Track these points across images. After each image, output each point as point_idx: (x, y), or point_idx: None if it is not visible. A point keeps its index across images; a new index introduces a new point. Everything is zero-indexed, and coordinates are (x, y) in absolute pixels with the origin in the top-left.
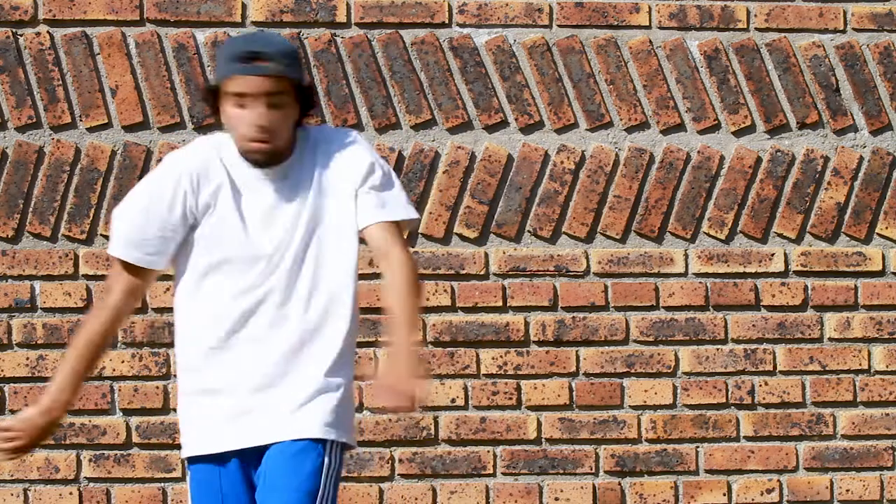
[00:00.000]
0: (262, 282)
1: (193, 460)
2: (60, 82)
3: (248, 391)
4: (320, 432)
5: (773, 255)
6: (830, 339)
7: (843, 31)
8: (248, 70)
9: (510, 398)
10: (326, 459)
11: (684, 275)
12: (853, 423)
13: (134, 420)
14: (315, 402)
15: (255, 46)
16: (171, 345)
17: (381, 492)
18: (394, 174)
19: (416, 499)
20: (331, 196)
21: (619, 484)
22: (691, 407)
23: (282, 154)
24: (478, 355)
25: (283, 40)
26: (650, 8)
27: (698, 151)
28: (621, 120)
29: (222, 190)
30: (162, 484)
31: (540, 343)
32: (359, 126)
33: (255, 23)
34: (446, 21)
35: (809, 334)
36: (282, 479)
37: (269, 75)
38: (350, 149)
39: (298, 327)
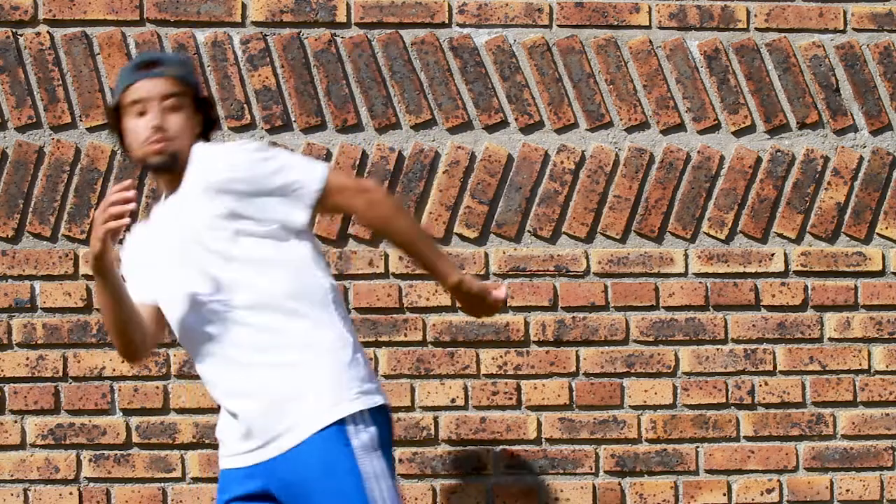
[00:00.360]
0: (190, 323)
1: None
2: (60, 82)
3: (247, 412)
4: (330, 417)
5: (773, 255)
6: (830, 339)
7: (843, 31)
8: (143, 75)
9: (510, 398)
10: (355, 440)
11: (684, 275)
12: (853, 423)
13: (134, 420)
14: (305, 394)
15: (147, 56)
16: (170, 345)
17: None
18: (266, 150)
19: (416, 499)
20: (208, 217)
21: (619, 484)
22: (691, 407)
23: (183, 161)
24: (478, 355)
25: (175, 53)
26: (650, 8)
27: (698, 151)
28: (621, 120)
29: (149, 238)
30: (162, 484)
31: (540, 343)
32: (359, 126)
33: (255, 23)
34: (446, 21)
35: (809, 334)
36: (320, 481)
37: (164, 76)
38: (214, 165)
39: (244, 354)
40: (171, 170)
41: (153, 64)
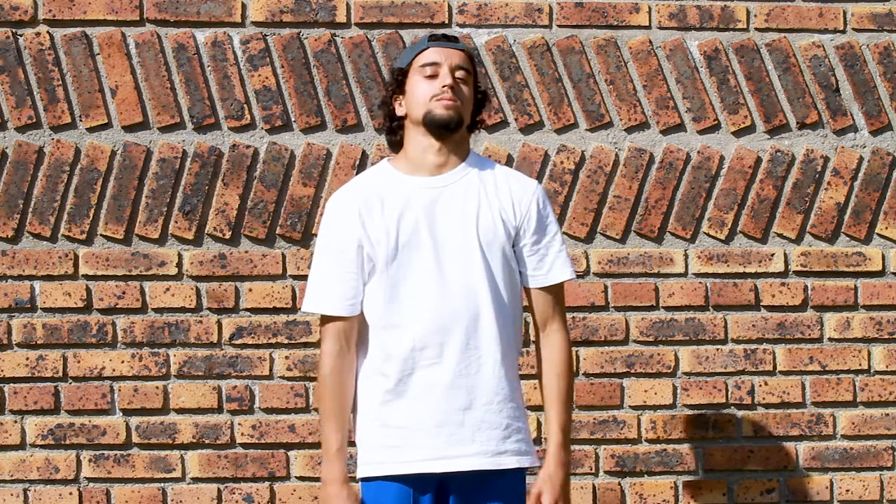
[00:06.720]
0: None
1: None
2: (60, 82)
3: None
4: None
5: (772, 255)
6: (830, 340)
7: (843, 31)
8: (440, 43)
9: None
10: None
11: (684, 275)
12: (853, 423)
13: (134, 420)
14: None
15: (442, 32)
16: (170, 345)
17: None
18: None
19: None
20: (489, 228)
21: (619, 484)
22: (691, 407)
23: (460, 134)
24: None
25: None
26: (650, 8)
27: (698, 151)
28: (621, 120)
29: (393, 212)
30: (162, 484)
31: None
32: (359, 126)
33: (255, 23)
34: (446, 21)
35: (809, 334)
36: None
37: (460, 50)
38: (530, 197)
39: None
40: (449, 131)
41: (450, 38)
